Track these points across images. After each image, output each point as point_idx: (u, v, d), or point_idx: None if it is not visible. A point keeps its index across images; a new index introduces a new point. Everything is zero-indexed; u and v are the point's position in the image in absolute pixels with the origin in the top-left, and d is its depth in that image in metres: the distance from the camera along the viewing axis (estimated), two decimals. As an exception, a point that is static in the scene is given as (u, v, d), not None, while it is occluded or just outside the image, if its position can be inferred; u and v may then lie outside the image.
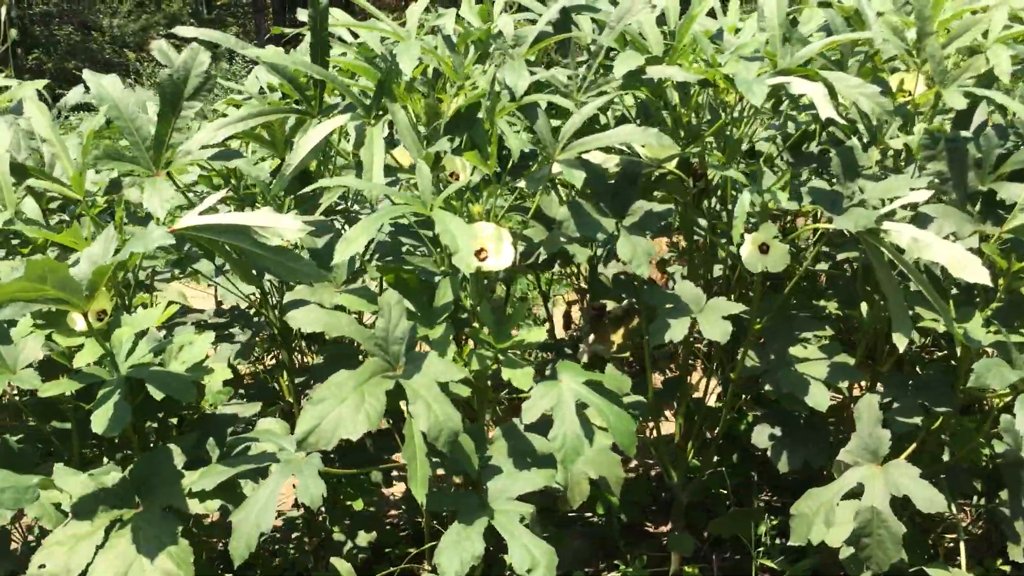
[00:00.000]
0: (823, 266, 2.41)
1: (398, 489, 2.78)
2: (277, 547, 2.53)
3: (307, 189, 1.50)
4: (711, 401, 2.38)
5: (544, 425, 1.62)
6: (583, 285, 2.55)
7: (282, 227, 1.61)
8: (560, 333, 3.28)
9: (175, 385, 1.50)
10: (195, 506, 1.50)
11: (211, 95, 1.68)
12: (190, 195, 1.93)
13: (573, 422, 1.52)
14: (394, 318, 1.52)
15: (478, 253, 1.65)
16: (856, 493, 1.70)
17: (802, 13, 2.24)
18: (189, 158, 1.68)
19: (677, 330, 1.75)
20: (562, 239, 1.72)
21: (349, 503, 2.31)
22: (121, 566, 1.40)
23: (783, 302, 1.97)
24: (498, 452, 1.64)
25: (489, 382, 1.77)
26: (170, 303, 2.26)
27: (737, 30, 1.99)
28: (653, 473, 2.81)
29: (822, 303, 2.29)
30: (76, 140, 1.88)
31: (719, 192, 2.08)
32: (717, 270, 2.17)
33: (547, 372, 1.66)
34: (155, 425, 1.77)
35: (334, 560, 1.69)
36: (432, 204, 1.53)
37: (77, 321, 1.60)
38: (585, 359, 2.16)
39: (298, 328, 1.50)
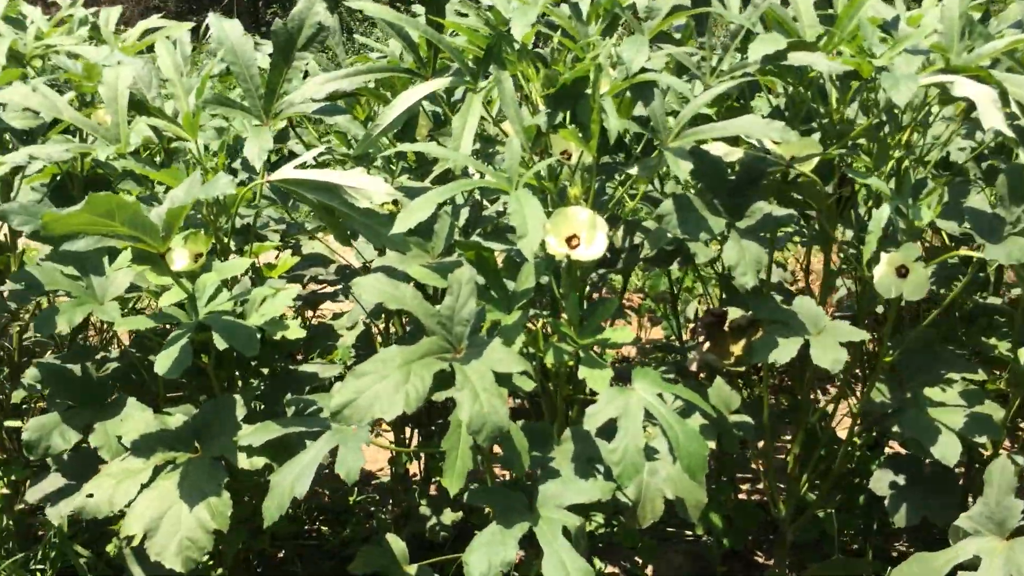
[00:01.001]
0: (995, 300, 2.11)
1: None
2: (372, 509, 2.54)
3: (387, 152, 1.43)
4: (843, 431, 2.14)
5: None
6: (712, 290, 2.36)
7: (371, 189, 1.55)
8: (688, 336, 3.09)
9: (240, 336, 1.48)
10: (243, 460, 1.48)
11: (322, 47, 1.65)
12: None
13: (637, 435, 1.38)
14: (463, 297, 1.43)
15: (570, 240, 1.53)
16: (971, 566, 1.45)
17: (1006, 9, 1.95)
18: (292, 110, 1.65)
19: (785, 351, 1.56)
20: (668, 235, 1.56)
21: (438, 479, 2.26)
22: (159, 508, 1.41)
23: (921, 334, 1.72)
24: (562, 456, 1.52)
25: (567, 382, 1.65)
26: (293, 254, 2.29)
27: (920, 22, 1.74)
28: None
29: (992, 341, 2.01)
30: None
31: (868, 203, 1.85)
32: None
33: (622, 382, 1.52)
34: (237, 373, 1.77)
35: (388, 536, 1.64)
36: (518, 182, 1.42)
37: (176, 261, 1.62)
38: (694, 367, 1.98)
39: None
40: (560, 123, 1.54)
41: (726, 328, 2.06)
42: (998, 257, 1.39)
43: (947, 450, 1.59)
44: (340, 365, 1.84)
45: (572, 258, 1.51)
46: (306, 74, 1.81)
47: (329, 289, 2.30)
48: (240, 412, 1.54)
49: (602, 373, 1.51)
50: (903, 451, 2.04)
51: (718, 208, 1.58)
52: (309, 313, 2.60)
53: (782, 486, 2.09)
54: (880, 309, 1.90)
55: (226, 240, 1.74)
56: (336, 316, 2.49)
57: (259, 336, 1.49)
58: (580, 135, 1.48)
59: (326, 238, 2.43)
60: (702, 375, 2.02)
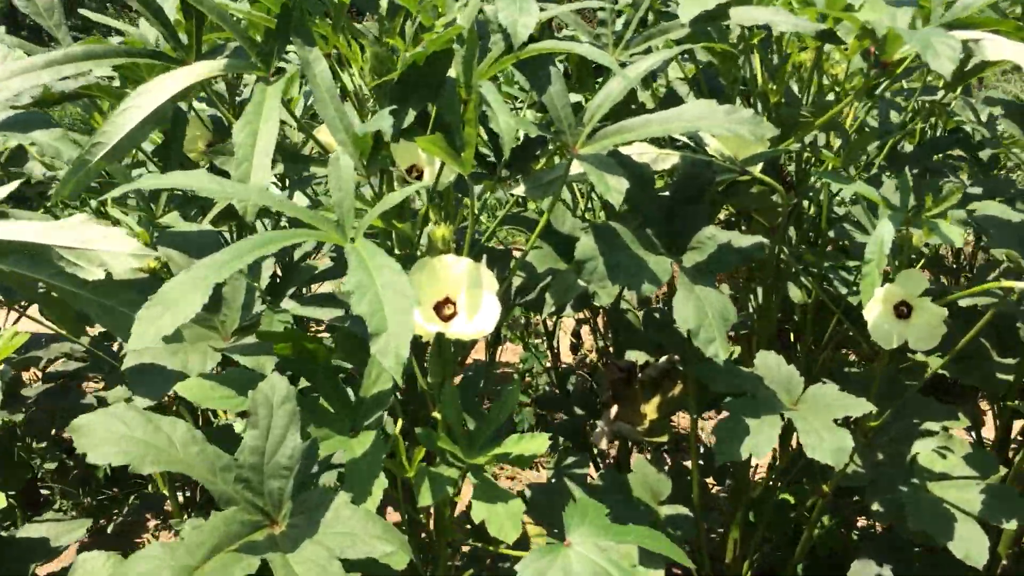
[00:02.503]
0: None
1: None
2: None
3: (127, 187, 0.80)
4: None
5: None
6: (601, 324, 1.87)
7: (105, 248, 0.94)
8: (566, 356, 2.60)
9: None
10: None
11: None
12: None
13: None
14: (276, 429, 0.84)
15: (441, 307, 0.97)
16: None
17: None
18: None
19: (762, 440, 1.08)
20: (585, 283, 1.03)
21: None
22: None
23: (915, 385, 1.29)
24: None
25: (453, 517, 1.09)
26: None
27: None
28: None
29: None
30: None
31: (817, 213, 1.40)
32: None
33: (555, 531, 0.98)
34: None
35: None
36: (355, 228, 0.85)
37: None
38: (604, 444, 1.48)
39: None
40: (411, 126, 0.98)
41: (635, 386, 1.57)
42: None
43: (971, 547, 1.16)
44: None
45: (450, 336, 0.96)
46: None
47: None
48: None
49: (509, 510, 0.97)
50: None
51: (652, 240, 1.07)
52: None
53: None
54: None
55: None
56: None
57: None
58: (447, 145, 0.92)
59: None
60: (611, 452, 1.51)
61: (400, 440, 0.97)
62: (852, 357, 1.71)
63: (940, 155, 1.58)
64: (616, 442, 1.51)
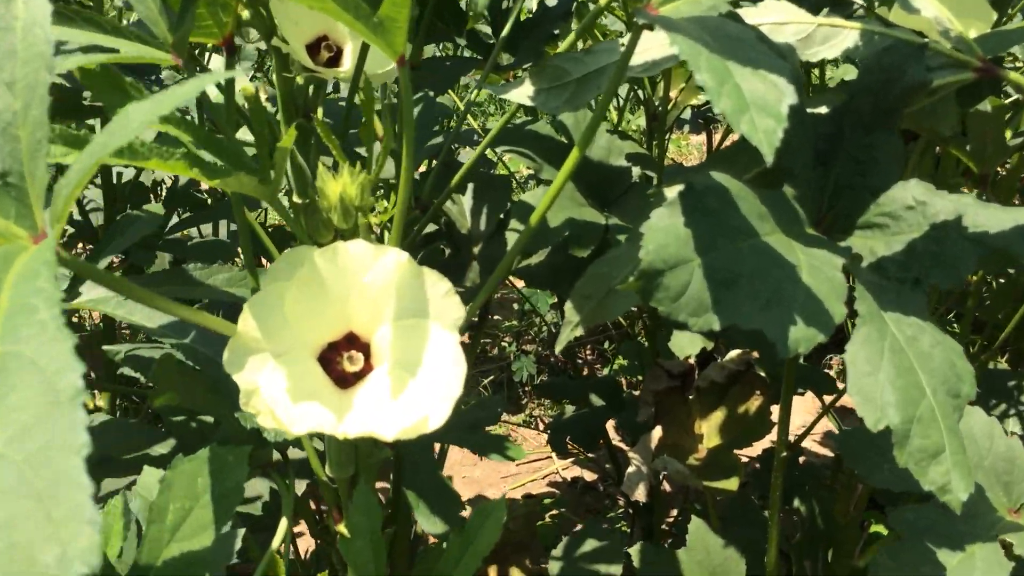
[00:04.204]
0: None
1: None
2: None
3: None
4: None
5: None
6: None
7: None
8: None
9: None
10: None
11: None
12: None
13: None
14: None
15: (334, 360, 0.43)
16: None
17: None
18: None
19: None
20: (660, 310, 0.48)
21: None
22: None
23: None
24: None
25: None
26: None
27: None
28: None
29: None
30: None
31: None
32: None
33: None
34: None
35: None
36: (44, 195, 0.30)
37: None
38: (641, 494, 0.95)
39: None
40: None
41: (690, 395, 1.03)
42: None
43: None
44: None
45: (342, 436, 0.42)
46: None
47: None
48: None
49: None
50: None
51: (794, 210, 0.51)
52: None
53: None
54: None
55: None
56: None
57: None
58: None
59: None
60: (639, 502, 0.98)
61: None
62: None
63: None
64: (646, 495, 0.98)
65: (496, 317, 2.29)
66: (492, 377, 2.08)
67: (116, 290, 0.42)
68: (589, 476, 1.86)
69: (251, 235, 0.52)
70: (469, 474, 1.90)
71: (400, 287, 0.43)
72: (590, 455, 1.63)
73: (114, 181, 1.02)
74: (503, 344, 2.18)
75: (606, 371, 2.00)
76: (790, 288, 0.44)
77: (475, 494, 1.84)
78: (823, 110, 0.53)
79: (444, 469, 0.92)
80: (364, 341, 0.45)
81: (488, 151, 1.19)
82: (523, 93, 0.55)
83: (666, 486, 1.46)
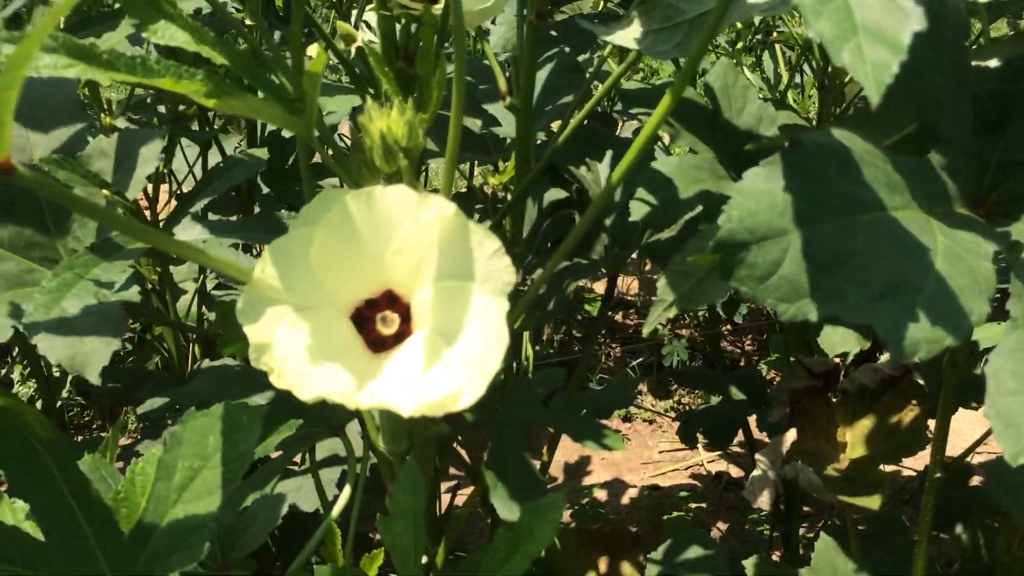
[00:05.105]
0: None
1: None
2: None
3: None
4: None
5: None
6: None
7: None
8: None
9: None
10: None
11: None
12: None
13: None
14: None
15: (370, 320, 0.39)
16: None
17: None
18: None
19: None
20: (745, 291, 0.40)
21: None
22: None
23: None
24: None
25: None
26: None
27: None
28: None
29: None
30: None
31: None
32: None
33: None
34: None
35: None
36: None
37: None
38: (765, 502, 0.85)
39: None
40: None
41: (833, 397, 0.93)
42: None
43: None
44: None
45: (365, 406, 0.37)
46: None
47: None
48: None
49: None
50: None
51: (943, 183, 0.42)
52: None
53: None
54: None
55: None
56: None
57: None
58: None
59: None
60: (763, 508, 0.89)
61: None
62: None
63: None
64: (771, 503, 0.88)
65: (653, 298, 2.20)
66: (641, 359, 2.00)
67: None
68: (736, 472, 1.75)
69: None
70: (609, 457, 1.84)
71: (443, 243, 0.37)
72: (738, 449, 1.54)
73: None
74: (657, 326, 2.09)
75: (763, 365, 1.88)
76: (915, 276, 0.35)
77: (613, 477, 1.78)
78: (993, 63, 0.43)
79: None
80: (404, 302, 0.40)
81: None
82: (629, 35, 0.48)
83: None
